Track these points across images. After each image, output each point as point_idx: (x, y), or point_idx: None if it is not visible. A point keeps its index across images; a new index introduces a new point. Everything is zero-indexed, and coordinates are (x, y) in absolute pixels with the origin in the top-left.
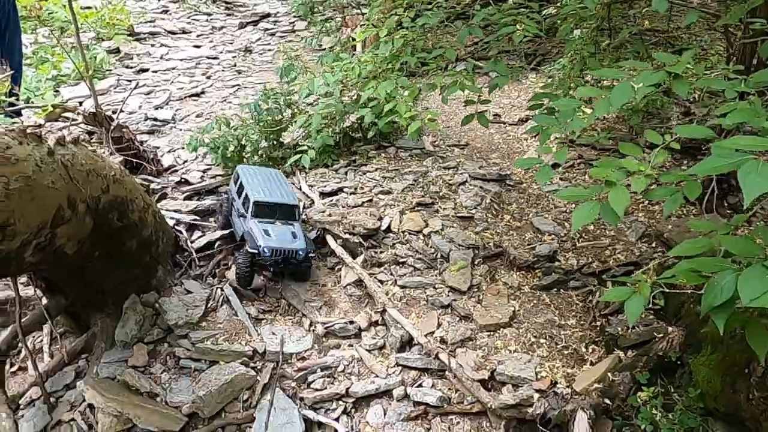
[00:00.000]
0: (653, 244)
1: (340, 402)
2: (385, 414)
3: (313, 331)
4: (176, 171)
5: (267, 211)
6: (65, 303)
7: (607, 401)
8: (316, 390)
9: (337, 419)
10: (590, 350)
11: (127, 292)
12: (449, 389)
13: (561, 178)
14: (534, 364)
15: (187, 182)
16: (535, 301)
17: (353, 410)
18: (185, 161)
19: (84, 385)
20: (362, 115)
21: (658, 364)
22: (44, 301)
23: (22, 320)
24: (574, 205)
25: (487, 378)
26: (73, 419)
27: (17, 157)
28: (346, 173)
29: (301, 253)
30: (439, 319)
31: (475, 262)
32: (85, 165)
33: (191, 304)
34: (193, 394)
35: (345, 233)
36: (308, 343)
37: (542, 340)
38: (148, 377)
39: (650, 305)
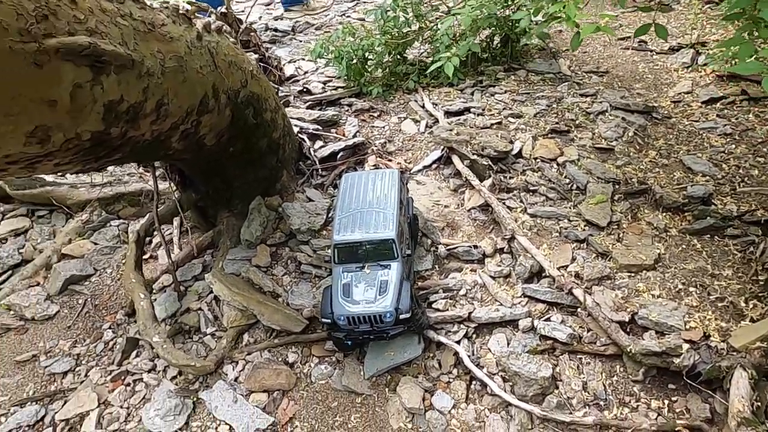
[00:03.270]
0: None
1: (462, 325)
2: (508, 343)
3: (434, 252)
4: (297, 81)
5: (353, 252)
6: (196, 198)
7: None
8: (438, 310)
9: (458, 342)
10: (750, 305)
11: (253, 192)
12: (580, 327)
13: (718, 115)
14: (682, 313)
15: (308, 92)
16: (684, 246)
17: (474, 335)
18: (305, 72)
19: (212, 278)
20: (509, 28)
21: None
22: (176, 195)
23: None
24: (733, 146)
25: (626, 320)
26: (200, 308)
27: (172, 35)
28: (472, 93)
29: (388, 316)
30: (573, 253)
31: (615, 198)
32: (227, 56)
33: (313, 212)
34: (314, 299)
35: (473, 154)
36: (428, 263)
37: (691, 288)
38: (270, 278)
39: None
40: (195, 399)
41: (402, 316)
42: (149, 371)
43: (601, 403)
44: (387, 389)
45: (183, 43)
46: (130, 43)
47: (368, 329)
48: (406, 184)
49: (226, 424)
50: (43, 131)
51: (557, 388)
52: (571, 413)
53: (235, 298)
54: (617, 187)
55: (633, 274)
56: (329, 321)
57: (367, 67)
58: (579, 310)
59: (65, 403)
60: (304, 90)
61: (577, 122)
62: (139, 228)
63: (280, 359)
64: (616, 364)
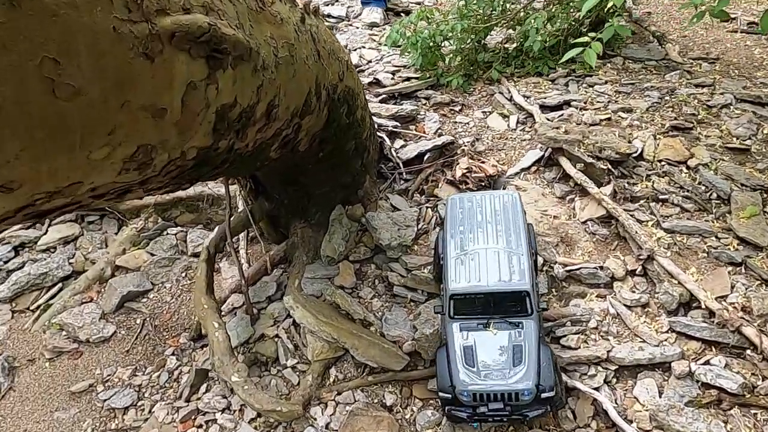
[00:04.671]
0: None
1: (599, 367)
2: (660, 393)
3: (548, 272)
4: (362, 71)
5: (473, 305)
6: (269, 207)
7: None
8: (568, 348)
9: (596, 389)
10: None
11: (333, 200)
12: (753, 375)
13: None
14: None
15: (378, 83)
16: None
17: (614, 380)
18: (369, 61)
19: (292, 302)
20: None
21: None
22: (248, 204)
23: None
24: None
25: None
26: (277, 335)
27: (282, 16)
28: (566, 84)
29: (527, 394)
30: (730, 279)
31: (767, 209)
32: (327, 42)
33: (402, 223)
34: (415, 330)
35: (588, 156)
36: (543, 286)
37: None
38: (358, 301)
39: None
40: None
41: (544, 395)
42: (223, 411)
43: None
44: None
45: (291, 26)
46: (246, 26)
47: (500, 409)
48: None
49: None
50: (145, 153)
51: None
52: None
53: (323, 328)
54: (767, 195)
55: None
56: (449, 396)
57: (443, 54)
58: (748, 352)
59: None
60: (374, 81)
61: (698, 117)
62: (209, 244)
63: (376, 401)
64: None
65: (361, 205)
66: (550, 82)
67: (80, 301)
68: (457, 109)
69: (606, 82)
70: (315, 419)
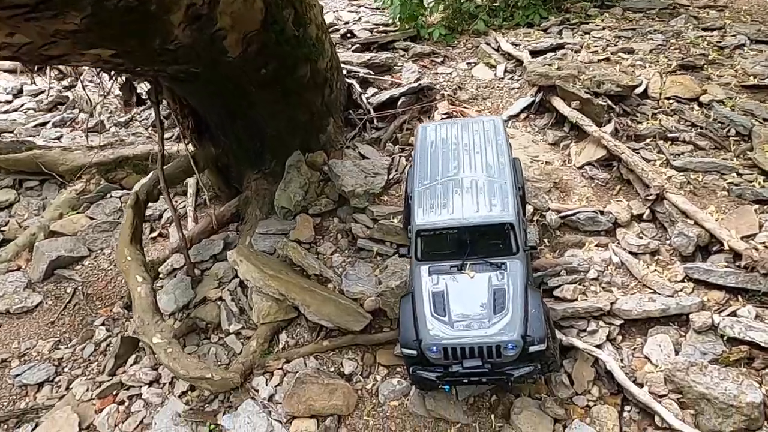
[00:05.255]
0: None
1: (601, 322)
2: (677, 351)
3: (540, 222)
4: (337, 30)
5: (446, 244)
6: (216, 152)
7: None
8: (563, 300)
9: (598, 347)
10: None
11: (290, 145)
12: None
13: None
14: None
15: (353, 34)
16: None
17: (620, 337)
18: (347, 22)
19: (236, 256)
20: None
21: None
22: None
23: (165, 167)
24: None
25: None
26: (221, 298)
27: None
28: (560, 32)
29: (510, 348)
30: (758, 217)
31: None
32: None
33: (370, 171)
34: (380, 285)
35: (585, 92)
36: (533, 235)
37: None
38: (315, 256)
39: None
40: (213, 426)
41: (533, 348)
42: (150, 384)
43: None
44: (493, 416)
45: None
46: None
47: (478, 367)
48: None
49: None
50: None
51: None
52: None
53: (269, 283)
54: None
55: None
56: (414, 353)
57: (424, 5)
58: None
59: (35, 427)
60: (348, 34)
61: (709, 58)
62: (140, 189)
63: (332, 369)
64: None
65: (323, 152)
66: (542, 32)
67: (7, 269)
68: (438, 60)
69: (604, 29)
70: (257, 391)
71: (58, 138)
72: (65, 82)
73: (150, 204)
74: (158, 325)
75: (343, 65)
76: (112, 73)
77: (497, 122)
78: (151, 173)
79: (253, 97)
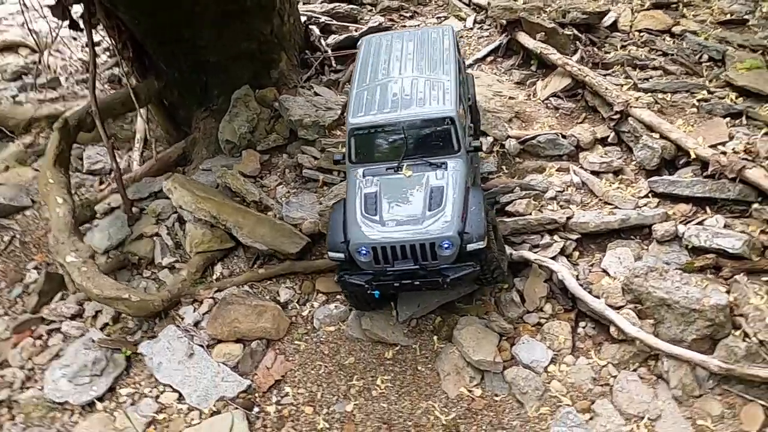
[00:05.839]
0: None
1: (556, 236)
2: (637, 261)
3: (499, 151)
4: None
5: (381, 143)
6: (159, 86)
7: None
8: (515, 215)
9: (554, 258)
10: None
11: (238, 79)
12: (762, 232)
13: None
14: None
15: None
16: None
17: (576, 253)
18: None
19: (170, 184)
20: None
21: None
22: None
23: (102, 98)
24: None
25: None
26: (157, 234)
27: None
28: None
29: (446, 245)
30: (729, 128)
31: None
32: None
33: (322, 106)
34: (323, 212)
35: (549, 22)
36: (491, 165)
37: None
38: (258, 187)
39: None
40: (130, 353)
41: (471, 246)
42: (73, 318)
43: None
44: (436, 337)
45: None
46: None
47: (410, 268)
48: (462, 55)
49: (173, 390)
50: None
51: (736, 327)
52: None
53: (201, 206)
54: None
55: None
56: (342, 255)
57: None
58: (755, 206)
59: None
60: None
61: (685, 0)
62: (70, 114)
63: (267, 297)
64: None
65: (275, 89)
66: None
67: None
68: (407, 15)
69: None
70: (182, 319)
71: (13, 97)
72: (35, 57)
73: (100, 158)
74: (74, 244)
75: (304, 13)
76: None
77: (446, 30)
78: (85, 103)
79: (188, 12)
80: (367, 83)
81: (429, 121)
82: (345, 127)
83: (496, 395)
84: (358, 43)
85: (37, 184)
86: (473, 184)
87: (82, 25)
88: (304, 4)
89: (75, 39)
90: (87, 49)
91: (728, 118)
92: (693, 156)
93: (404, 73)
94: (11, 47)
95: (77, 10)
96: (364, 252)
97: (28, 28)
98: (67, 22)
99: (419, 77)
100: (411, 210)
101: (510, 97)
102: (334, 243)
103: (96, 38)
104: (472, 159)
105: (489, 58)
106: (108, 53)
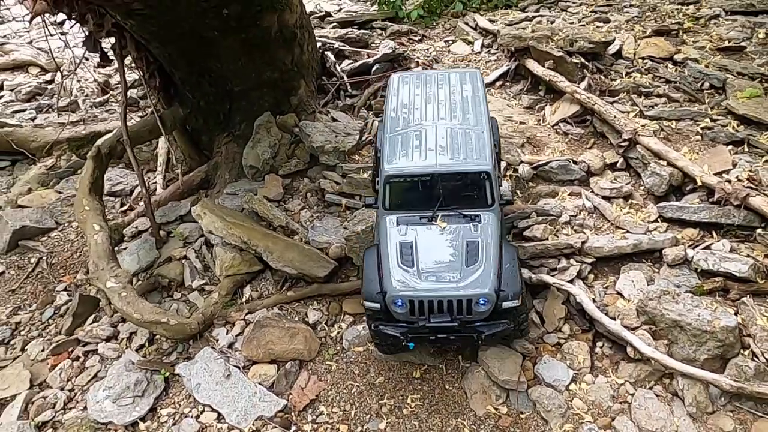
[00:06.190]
0: None
1: (572, 260)
2: (650, 283)
3: (512, 176)
4: (314, 14)
5: (416, 192)
6: (184, 113)
7: None
8: (532, 240)
9: (570, 282)
10: None
11: (260, 106)
12: (766, 256)
13: None
14: None
15: (328, 14)
16: None
17: (591, 276)
18: (327, 13)
19: (200, 209)
20: None
21: None
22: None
23: (130, 125)
24: None
25: None
26: (185, 257)
27: None
28: (538, 10)
29: (482, 302)
30: (731, 156)
31: None
32: None
33: (341, 131)
34: (346, 230)
35: (558, 51)
36: (506, 188)
37: None
38: (283, 211)
39: None
40: (168, 374)
41: (507, 304)
42: (108, 340)
43: None
44: (461, 357)
45: None
46: None
47: (446, 323)
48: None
49: (213, 410)
50: None
51: (745, 347)
52: None
53: (232, 231)
54: None
55: None
56: (378, 306)
57: None
58: (759, 231)
59: None
60: (325, 14)
61: (684, 26)
62: (102, 143)
63: (297, 319)
64: None
65: (295, 114)
66: (520, 11)
67: None
68: (416, 38)
69: (581, 5)
70: (217, 341)
71: (32, 119)
72: (47, 77)
73: (120, 180)
74: (113, 270)
75: (318, 39)
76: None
77: (476, 74)
78: (115, 130)
79: (216, 45)
80: (400, 127)
81: (465, 175)
82: (363, 152)
83: (522, 413)
84: (389, 80)
85: (72, 208)
86: (507, 239)
87: (111, 56)
88: (316, 28)
89: (87, 59)
90: (100, 71)
91: (731, 146)
92: (699, 183)
93: (439, 120)
94: (21, 66)
95: (108, 41)
96: (400, 304)
97: (48, 51)
98: (97, 54)
99: (455, 126)
100: (448, 263)
101: (521, 122)
102: (370, 293)
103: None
104: (503, 209)
105: (498, 83)
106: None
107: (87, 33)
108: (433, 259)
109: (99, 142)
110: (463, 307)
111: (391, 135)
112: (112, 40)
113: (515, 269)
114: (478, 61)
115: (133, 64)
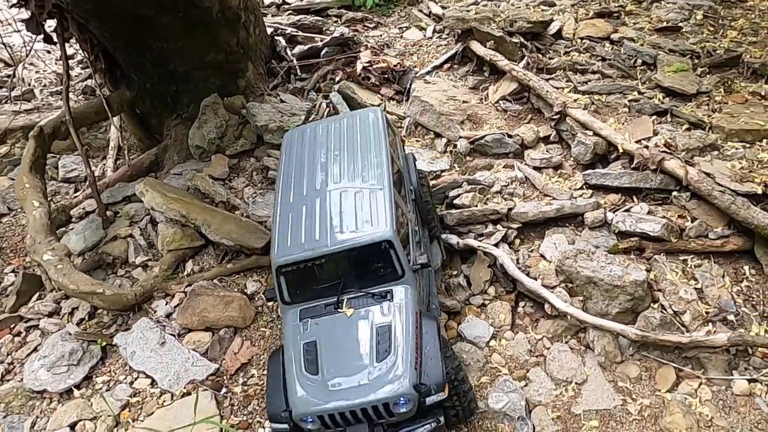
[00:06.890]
0: None
1: (498, 226)
2: (571, 245)
3: (452, 151)
4: (272, 3)
5: (317, 278)
6: (131, 95)
7: None
8: (460, 207)
9: (496, 245)
10: None
11: (207, 88)
12: (680, 217)
13: None
14: None
15: (285, 2)
16: None
17: (517, 240)
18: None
19: (142, 187)
20: None
21: None
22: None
23: (74, 107)
24: None
25: (759, 193)
26: (131, 235)
27: None
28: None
29: (402, 403)
30: (654, 125)
31: (698, 71)
32: None
33: (287, 112)
34: None
35: (498, 31)
36: (444, 163)
37: None
38: (227, 189)
39: None
40: (105, 344)
41: (431, 399)
42: (50, 315)
43: (731, 317)
44: None
45: None
46: None
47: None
48: (397, 135)
49: (146, 376)
50: None
51: (655, 301)
52: (686, 333)
53: (171, 206)
54: (698, 60)
55: (750, 143)
56: (285, 426)
57: None
58: (674, 194)
59: None
60: (282, 2)
61: (626, 9)
62: (45, 123)
63: (236, 290)
64: (742, 263)
65: (242, 96)
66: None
67: None
68: (371, 26)
69: None
70: (155, 312)
71: None
72: (9, 71)
73: (75, 167)
74: (50, 244)
75: (271, 24)
76: None
77: (376, 114)
78: (59, 111)
79: (154, 25)
80: (291, 201)
81: (364, 248)
82: None
83: None
84: (282, 139)
85: (14, 190)
86: (427, 309)
87: (56, 39)
88: (272, 16)
89: (49, 52)
90: (61, 62)
91: (655, 117)
92: (621, 150)
93: (331, 185)
94: None
95: (51, 24)
96: (310, 420)
97: (2, 43)
98: (41, 36)
99: (348, 188)
100: (356, 364)
101: (463, 101)
102: (275, 413)
103: (70, 51)
104: (421, 276)
105: (446, 66)
106: (81, 66)
107: (29, 14)
108: (340, 360)
109: (42, 122)
110: (381, 411)
111: (280, 211)
112: (55, 22)
113: (437, 353)
114: (429, 45)
115: (77, 46)
